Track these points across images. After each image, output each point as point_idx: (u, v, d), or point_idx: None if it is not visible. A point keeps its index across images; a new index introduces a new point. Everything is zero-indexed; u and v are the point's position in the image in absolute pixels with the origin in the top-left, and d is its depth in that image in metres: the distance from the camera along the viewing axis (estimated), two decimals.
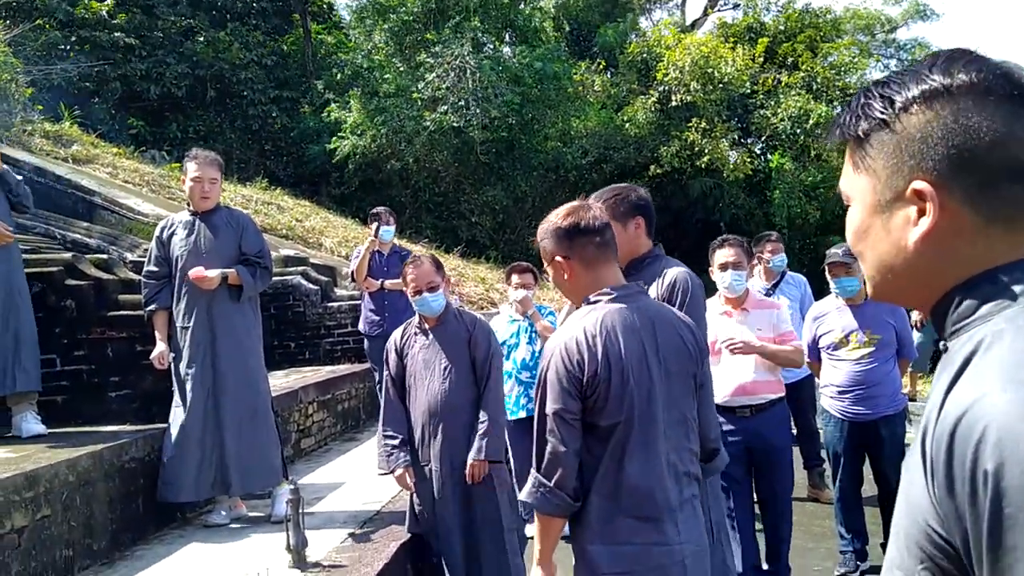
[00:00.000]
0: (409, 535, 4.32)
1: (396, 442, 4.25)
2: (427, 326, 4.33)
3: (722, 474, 4.37)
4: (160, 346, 4.75)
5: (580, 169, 19.08)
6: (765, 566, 4.67)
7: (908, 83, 1.09)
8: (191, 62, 19.45)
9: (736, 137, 19.54)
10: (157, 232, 4.91)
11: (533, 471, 2.44)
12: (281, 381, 7.26)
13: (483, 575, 4.18)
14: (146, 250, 6.06)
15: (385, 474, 4.33)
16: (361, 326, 7.58)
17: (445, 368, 4.23)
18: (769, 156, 19.63)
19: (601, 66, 22.39)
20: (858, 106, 1.13)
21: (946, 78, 1.06)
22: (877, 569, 5.01)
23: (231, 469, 4.71)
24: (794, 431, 6.52)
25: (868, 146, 1.11)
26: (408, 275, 4.24)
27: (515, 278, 5.97)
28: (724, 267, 4.56)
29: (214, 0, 21.38)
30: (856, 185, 1.14)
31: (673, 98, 18.71)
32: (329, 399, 7.44)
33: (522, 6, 20.13)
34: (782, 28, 21.72)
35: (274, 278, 8.17)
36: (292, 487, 3.92)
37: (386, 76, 18.35)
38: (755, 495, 4.84)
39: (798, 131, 18.25)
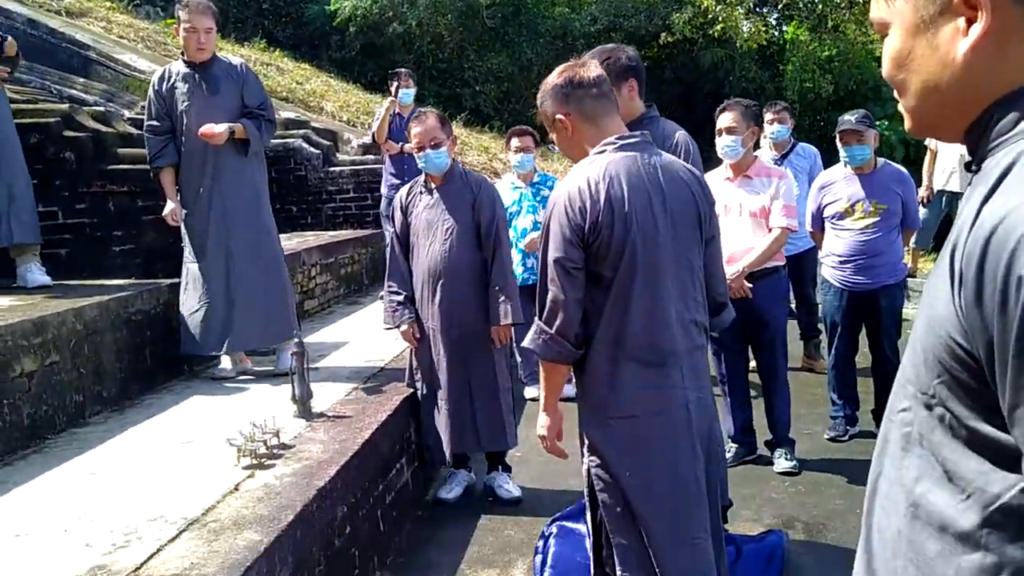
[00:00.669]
0: (412, 390, 4.42)
1: (401, 298, 4.30)
2: (432, 185, 4.29)
3: (714, 339, 4.43)
4: (171, 204, 4.71)
5: (588, 37, 18.50)
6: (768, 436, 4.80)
7: None
8: None
9: (751, 5, 18.85)
10: (155, 85, 4.78)
11: (536, 318, 2.47)
12: (284, 244, 7.24)
13: (478, 431, 4.30)
14: (143, 107, 5.95)
15: (390, 328, 4.40)
16: (383, 188, 7.64)
17: (448, 229, 4.22)
18: (784, 27, 19.02)
19: None
20: None
21: None
22: (866, 434, 5.17)
23: (250, 323, 4.76)
24: (793, 302, 6.58)
25: None
26: (412, 130, 4.18)
27: (515, 141, 5.89)
28: (720, 133, 4.48)
29: None
30: (894, 8, 1.10)
31: None
32: (332, 263, 7.47)
33: None
34: None
35: (274, 141, 8.10)
36: (297, 340, 3.97)
37: None
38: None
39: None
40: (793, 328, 6.22)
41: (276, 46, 15.99)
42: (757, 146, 5.34)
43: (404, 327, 4.34)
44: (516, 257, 5.61)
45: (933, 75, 1.07)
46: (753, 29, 17.39)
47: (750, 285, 4.41)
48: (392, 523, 3.96)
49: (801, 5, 17.85)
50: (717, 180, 4.49)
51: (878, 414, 5.21)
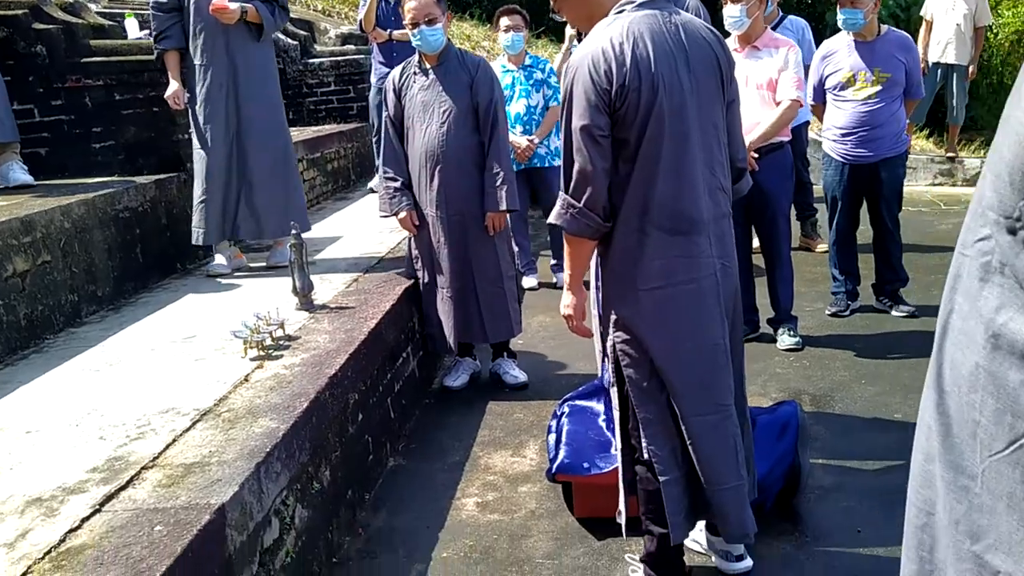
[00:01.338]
0: (412, 280, 4.35)
1: (398, 184, 4.18)
2: (427, 65, 4.12)
3: None
4: (174, 85, 4.52)
5: None
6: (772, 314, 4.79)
7: None
8: None
9: None
10: None
11: (561, 192, 2.37)
12: None
13: (483, 322, 4.26)
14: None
15: (387, 216, 4.30)
16: (372, 78, 7.41)
17: (444, 111, 4.07)
18: None
19: None
20: None
21: None
22: (867, 309, 5.19)
23: (264, 213, 4.65)
24: None
25: None
26: (405, 6, 3.98)
27: (504, 20, 5.67)
28: (725, 3, 4.31)
29: None
30: None
31: None
32: (318, 157, 7.29)
33: None
34: None
35: None
36: (295, 232, 3.86)
37: None
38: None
39: None
40: None
41: None
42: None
43: (402, 214, 4.23)
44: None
45: None
46: None
47: (755, 156, 4.31)
48: (401, 410, 3.95)
49: None
50: None
51: (879, 288, 5.21)
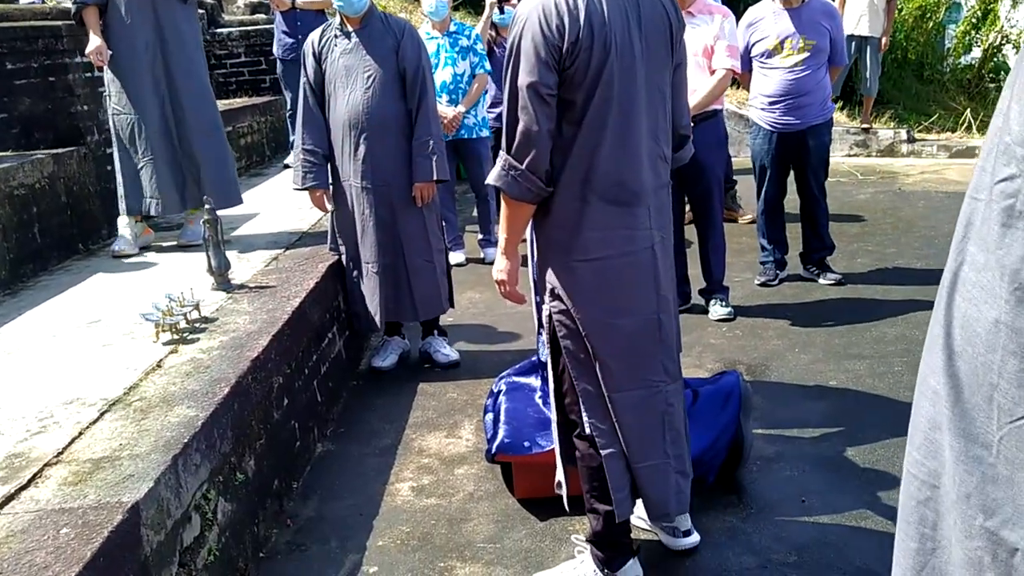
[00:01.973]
0: (337, 257, 4.15)
1: (315, 157, 3.96)
2: (349, 28, 3.90)
3: None
4: (95, 40, 4.20)
5: None
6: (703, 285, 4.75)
7: None
8: None
9: None
10: None
11: (503, 153, 2.22)
12: None
13: (414, 299, 4.09)
14: None
15: (300, 189, 4.08)
16: (275, 49, 7.10)
17: (369, 76, 3.87)
18: None
19: None
20: None
21: None
22: (794, 278, 5.20)
23: (200, 182, 4.44)
24: None
25: None
26: None
27: None
28: None
29: None
30: None
31: None
32: (230, 132, 6.91)
33: None
34: None
35: None
36: (208, 207, 3.61)
37: None
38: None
39: None
40: None
41: None
42: None
43: (318, 192, 4.02)
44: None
45: None
46: None
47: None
48: (329, 394, 3.76)
49: None
50: None
51: (806, 257, 5.23)
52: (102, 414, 2.52)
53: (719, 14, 4.33)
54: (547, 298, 2.36)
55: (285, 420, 3.16)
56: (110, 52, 4.25)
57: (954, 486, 1.02)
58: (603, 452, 2.35)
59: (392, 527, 2.92)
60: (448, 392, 3.98)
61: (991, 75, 14.10)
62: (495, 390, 3.35)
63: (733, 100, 9.01)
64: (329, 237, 4.20)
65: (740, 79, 5.21)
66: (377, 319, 4.05)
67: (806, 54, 4.72)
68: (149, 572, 2.04)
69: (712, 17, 4.29)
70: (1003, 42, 13.97)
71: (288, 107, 7.40)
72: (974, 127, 9.97)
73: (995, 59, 14.02)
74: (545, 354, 3.13)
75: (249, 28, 8.42)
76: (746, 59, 4.95)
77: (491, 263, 5.89)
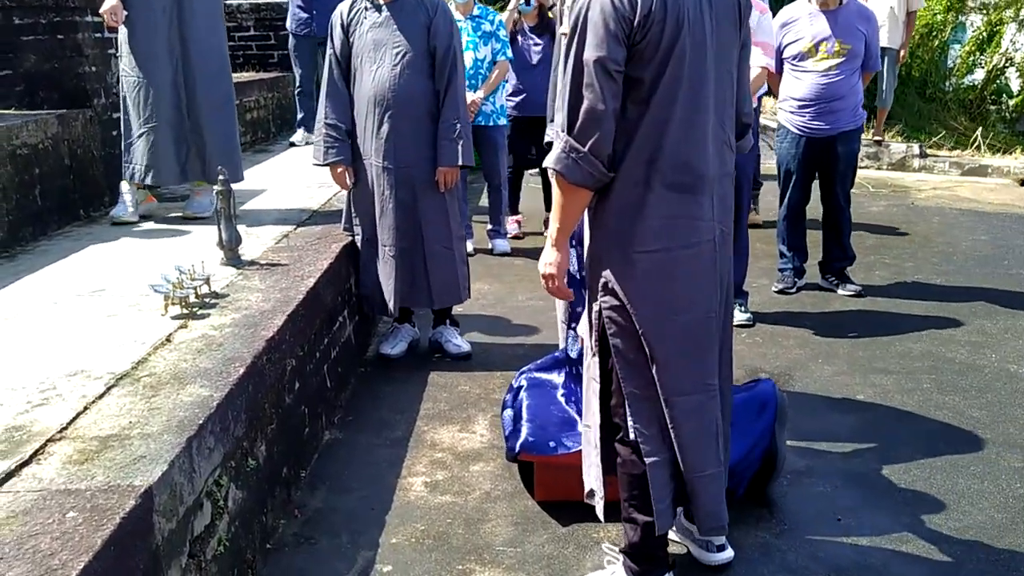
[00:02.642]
0: (350, 237, 3.98)
1: (338, 132, 3.80)
2: (380, 1, 3.73)
3: None
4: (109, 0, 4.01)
5: None
6: None
7: None
8: None
9: None
10: None
11: (563, 134, 2.06)
12: None
13: (430, 286, 3.93)
14: None
15: (320, 165, 3.92)
16: (288, 23, 6.95)
17: (398, 52, 3.70)
18: None
19: None
20: None
21: None
22: (812, 287, 5.08)
23: (204, 154, 4.27)
24: None
25: None
26: None
27: None
28: None
29: None
30: None
31: None
32: (236, 105, 6.74)
33: None
34: None
35: None
36: (223, 179, 3.44)
37: None
38: None
39: None
40: None
41: None
42: None
43: (340, 168, 3.86)
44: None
45: None
46: None
47: None
48: (338, 379, 3.61)
49: None
50: None
51: (826, 266, 5.11)
52: (109, 388, 2.35)
53: (756, 10, 4.19)
54: (599, 292, 2.20)
55: (296, 405, 3.00)
56: (125, 13, 4.07)
57: None
58: (647, 460, 2.21)
59: (406, 524, 2.77)
60: (460, 384, 3.83)
61: (992, 97, 14.06)
62: (515, 385, 3.20)
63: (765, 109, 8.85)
64: (344, 216, 4.04)
65: (770, 80, 5.07)
66: (391, 304, 3.89)
67: (841, 58, 4.60)
68: (159, 563, 1.88)
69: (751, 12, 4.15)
70: (1007, 64, 13.94)
71: (297, 84, 7.22)
72: (983, 147, 9.89)
73: (997, 81, 13.99)
74: (575, 350, 3.00)
75: (260, 1, 8.22)
76: (778, 60, 4.81)
77: (500, 254, 5.77)
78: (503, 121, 5.62)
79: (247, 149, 6.84)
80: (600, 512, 2.44)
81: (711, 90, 2.07)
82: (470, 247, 5.74)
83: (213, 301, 3.07)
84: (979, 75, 14.06)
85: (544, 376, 3.17)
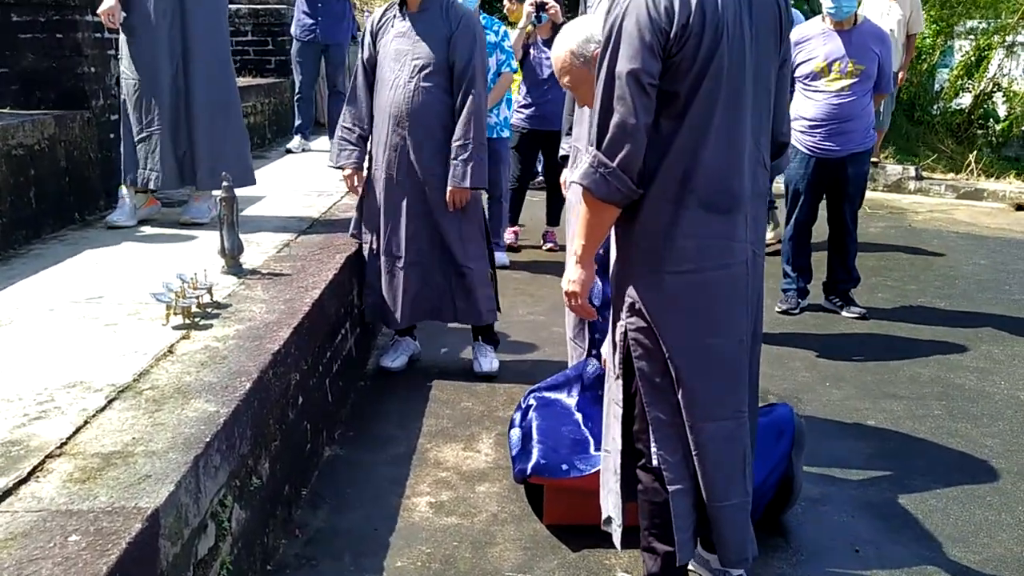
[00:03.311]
0: (355, 248, 3.90)
1: (353, 136, 3.75)
2: (407, 9, 3.66)
3: None
4: (108, 1, 3.93)
5: None
6: None
7: None
8: None
9: None
10: None
11: (592, 148, 1.99)
12: None
13: (453, 297, 3.84)
14: None
15: (334, 167, 3.86)
16: (293, 28, 6.94)
17: (416, 65, 3.62)
18: None
19: None
20: None
21: None
22: (816, 308, 5.03)
23: (204, 160, 4.17)
24: None
25: None
26: None
27: None
28: None
29: None
30: None
31: None
32: None
33: None
34: None
35: None
36: (226, 184, 3.35)
37: None
38: None
39: None
40: None
41: None
42: None
43: (348, 171, 3.80)
44: None
45: None
46: None
47: None
48: (339, 394, 3.51)
49: None
50: None
51: (830, 287, 5.06)
52: (110, 401, 2.25)
53: None
54: (624, 313, 2.13)
55: (299, 420, 2.91)
56: (124, 14, 3.99)
57: None
58: (670, 488, 2.13)
59: (411, 546, 2.68)
60: (463, 400, 3.74)
61: (980, 121, 14.14)
62: (524, 404, 3.12)
63: None
64: (353, 222, 3.97)
65: None
66: (397, 315, 3.81)
67: (854, 79, 4.56)
68: None
69: None
70: (994, 89, 14.03)
71: (297, 90, 7.15)
72: (975, 170, 9.91)
73: (984, 106, 14.08)
74: (591, 372, 2.92)
75: (259, 7, 8.15)
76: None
77: (499, 267, 5.69)
78: (506, 134, 5.56)
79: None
80: (617, 540, 2.36)
81: (748, 106, 2.01)
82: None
83: (215, 311, 2.97)
84: (966, 99, 14.14)
85: (554, 395, 3.09)
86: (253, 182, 4.45)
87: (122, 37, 4.09)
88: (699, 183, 1.99)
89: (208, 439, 2.07)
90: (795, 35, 4.75)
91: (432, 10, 3.65)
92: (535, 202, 6.60)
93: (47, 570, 1.55)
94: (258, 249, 3.83)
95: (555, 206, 6.01)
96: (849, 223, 4.85)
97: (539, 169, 7.16)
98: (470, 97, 3.62)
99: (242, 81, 7.59)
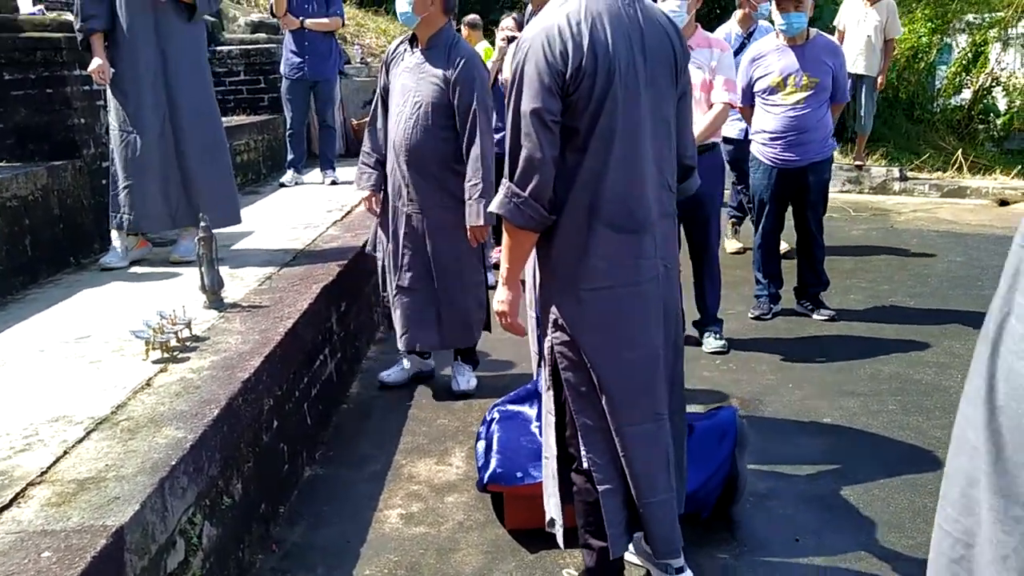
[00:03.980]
0: (330, 278, 4.11)
1: (371, 161, 4.05)
2: (417, 45, 3.88)
3: None
4: (98, 60, 4.21)
5: None
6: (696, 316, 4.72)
7: None
8: None
9: None
10: None
11: (506, 180, 2.20)
12: None
13: (440, 322, 4.03)
14: None
15: (358, 191, 4.25)
16: (282, 67, 7.20)
17: (416, 103, 3.81)
18: None
19: None
20: None
21: None
22: (788, 312, 5.19)
23: (195, 200, 4.43)
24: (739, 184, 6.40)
25: None
26: None
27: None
28: None
29: None
30: None
31: None
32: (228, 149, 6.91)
33: None
34: None
35: None
36: (204, 224, 3.58)
37: None
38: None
39: None
40: None
41: None
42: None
43: (365, 193, 4.13)
44: None
45: None
46: None
47: None
48: (318, 417, 3.72)
49: None
50: None
51: (800, 292, 5.22)
52: (88, 433, 2.47)
53: (717, 48, 4.35)
54: (549, 329, 2.33)
55: (274, 443, 3.11)
56: (112, 71, 4.25)
57: (991, 546, 0.98)
58: (600, 488, 2.32)
59: (379, 555, 2.87)
60: (439, 418, 3.94)
61: (980, 116, 14.24)
62: (488, 418, 3.30)
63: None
64: (370, 239, 4.29)
65: (741, 112, 5.21)
66: (399, 341, 4.07)
67: (809, 91, 4.74)
68: None
69: (711, 51, 4.31)
70: (992, 84, 14.13)
71: (288, 126, 7.40)
72: (964, 167, 10.04)
73: (984, 101, 14.17)
74: (542, 385, 3.11)
75: (250, 47, 8.43)
76: (748, 94, 4.96)
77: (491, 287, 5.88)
78: None
79: (238, 191, 7.00)
80: (560, 540, 2.55)
81: (647, 137, 2.21)
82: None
83: (194, 344, 3.19)
84: (966, 95, 14.25)
85: (516, 408, 3.27)
86: (239, 221, 4.68)
87: (108, 90, 4.35)
88: (605, 209, 2.19)
89: (174, 462, 2.27)
90: (752, 52, 4.97)
91: (438, 48, 3.80)
92: None
93: None
94: (241, 283, 4.06)
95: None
96: (814, 229, 5.02)
97: None
98: (476, 140, 3.75)
99: (236, 119, 7.87)
